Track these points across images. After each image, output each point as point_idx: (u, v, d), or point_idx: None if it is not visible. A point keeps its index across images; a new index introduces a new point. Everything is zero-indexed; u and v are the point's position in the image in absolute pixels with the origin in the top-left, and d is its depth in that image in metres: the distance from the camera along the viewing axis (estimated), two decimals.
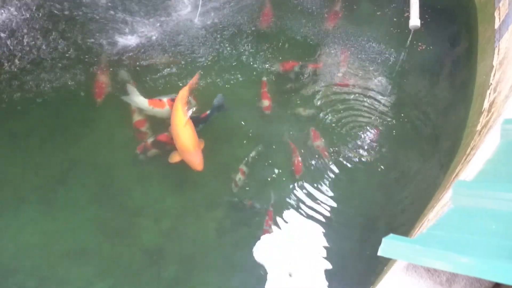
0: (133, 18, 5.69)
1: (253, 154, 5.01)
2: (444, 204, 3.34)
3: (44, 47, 5.34)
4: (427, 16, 5.66)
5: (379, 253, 1.91)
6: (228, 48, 5.66)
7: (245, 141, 5.15)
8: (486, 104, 4.57)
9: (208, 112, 5.03)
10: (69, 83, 5.22)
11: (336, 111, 5.39)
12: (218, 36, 5.72)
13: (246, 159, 4.96)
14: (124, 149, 5.00)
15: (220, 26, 5.79)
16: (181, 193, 4.88)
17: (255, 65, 5.61)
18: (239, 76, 5.50)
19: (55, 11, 5.59)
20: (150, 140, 4.92)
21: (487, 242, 1.83)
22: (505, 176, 2.14)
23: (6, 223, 4.55)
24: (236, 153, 5.10)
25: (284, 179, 4.96)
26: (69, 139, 4.97)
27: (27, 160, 4.86)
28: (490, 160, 2.33)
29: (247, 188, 4.86)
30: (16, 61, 5.22)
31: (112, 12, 5.69)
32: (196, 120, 4.88)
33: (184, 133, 4.63)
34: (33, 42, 5.34)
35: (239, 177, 4.86)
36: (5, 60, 5.22)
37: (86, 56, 5.40)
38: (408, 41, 4.93)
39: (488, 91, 4.66)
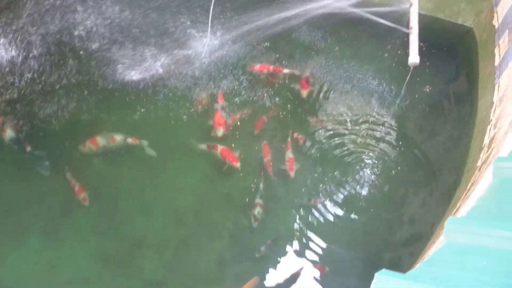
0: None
1: (261, 186, 5.05)
2: (442, 240, 3.35)
3: (50, 79, 5.49)
4: (425, 50, 5.74)
5: None
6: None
7: (246, 173, 5.18)
8: (486, 140, 4.60)
9: (29, 149, 5.05)
10: (73, 114, 5.31)
11: (335, 145, 5.44)
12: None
13: (259, 192, 5.00)
14: (127, 178, 5.09)
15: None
16: (184, 223, 4.91)
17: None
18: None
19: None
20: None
21: (478, 279, 1.85)
22: (496, 213, 2.17)
23: (9, 252, 4.60)
24: (239, 184, 5.15)
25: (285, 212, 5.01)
26: (72, 169, 5.03)
27: (31, 190, 4.94)
28: (483, 197, 2.36)
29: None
30: (20, 91, 5.38)
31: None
32: (17, 142, 5.05)
33: None
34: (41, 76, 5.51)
35: (258, 210, 4.87)
36: (8, 90, 5.37)
37: (93, 86, 5.53)
38: (408, 77, 5.00)
39: (489, 127, 4.69)
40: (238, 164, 5.01)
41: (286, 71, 5.77)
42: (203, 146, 5.22)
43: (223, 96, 5.51)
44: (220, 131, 5.21)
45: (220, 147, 5.11)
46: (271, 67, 5.78)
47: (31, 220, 4.80)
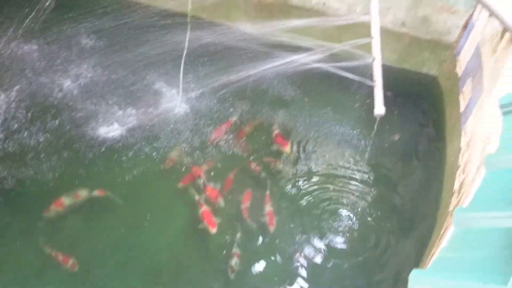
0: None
1: (238, 236, 4.98)
2: None
3: (25, 141, 5.53)
4: (393, 99, 5.92)
5: None
6: None
7: (223, 227, 5.12)
8: (456, 185, 4.70)
9: None
10: (47, 175, 5.28)
11: (306, 194, 5.47)
12: None
13: (236, 242, 4.92)
14: (101, 240, 5.00)
15: None
16: (161, 282, 4.81)
17: None
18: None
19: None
20: None
21: None
22: (459, 264, 2.21)
23: None
24: (216, 239, 5.09)
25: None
26: (46, 231, 4.93)
27: (3, 253, 4.81)
28: (446, 248, 2.40)
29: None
30: None
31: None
32: None
33: None
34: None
35: (235, 261, 4.76)
36: None
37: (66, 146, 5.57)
38: (376, 126, 5.12)
39: (458, 172, 4.81)
40: (214, 230, 4.96)
41: (233, 119, 5.95)
42: (196, 197, 5.21)
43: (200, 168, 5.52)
44: (222, 203, 5.21)
45: (204, 208, 5.09)
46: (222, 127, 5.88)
47: (3, 285, 4.66)
